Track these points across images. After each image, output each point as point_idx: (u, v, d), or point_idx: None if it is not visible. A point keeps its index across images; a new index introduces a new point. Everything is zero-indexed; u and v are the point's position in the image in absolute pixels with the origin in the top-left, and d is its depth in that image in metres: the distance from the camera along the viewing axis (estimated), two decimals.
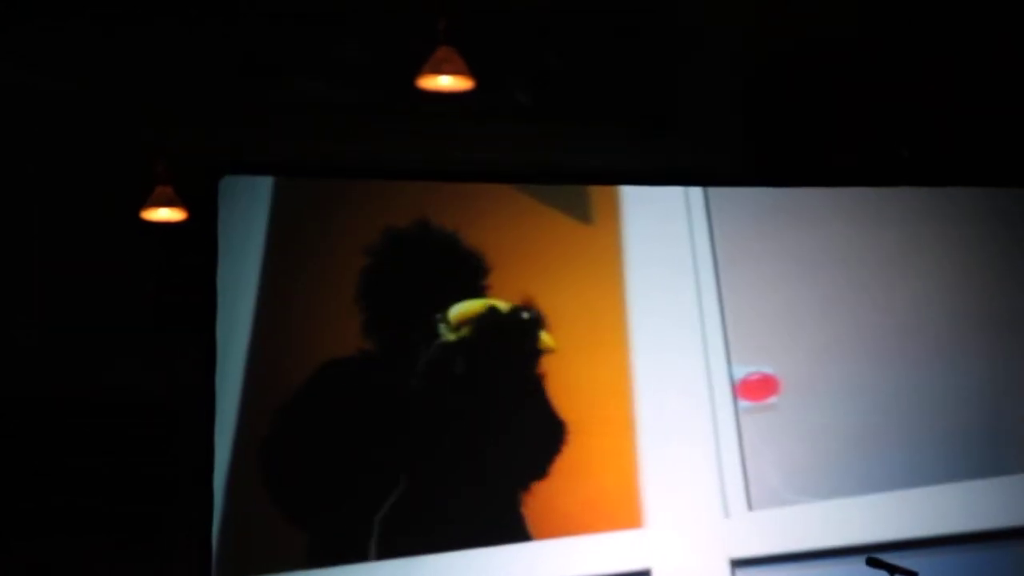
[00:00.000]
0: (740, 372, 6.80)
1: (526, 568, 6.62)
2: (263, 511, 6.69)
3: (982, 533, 6.62)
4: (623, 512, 6.67)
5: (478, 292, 6.93)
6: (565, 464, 6.74)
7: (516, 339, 6.86)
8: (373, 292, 6.89)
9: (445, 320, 6.84)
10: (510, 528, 6.66)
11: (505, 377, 6.87)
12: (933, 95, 7.44)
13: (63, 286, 7.35)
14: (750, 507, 6.65)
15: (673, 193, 7.10)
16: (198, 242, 6.94)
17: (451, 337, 6.85)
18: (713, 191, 7.07)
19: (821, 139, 7.46)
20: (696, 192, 7.08)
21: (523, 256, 6.96)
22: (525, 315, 6.87)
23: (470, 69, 6.90)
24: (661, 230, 7.00)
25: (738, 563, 6.59)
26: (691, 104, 7.55)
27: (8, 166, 7.29)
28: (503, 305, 6.88)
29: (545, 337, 6.84)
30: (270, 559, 6.66)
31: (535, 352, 6.84)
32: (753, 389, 6.79)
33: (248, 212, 6.95)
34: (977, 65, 7.38)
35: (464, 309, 6.86)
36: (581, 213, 7.03)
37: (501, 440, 6.78)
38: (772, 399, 6.79)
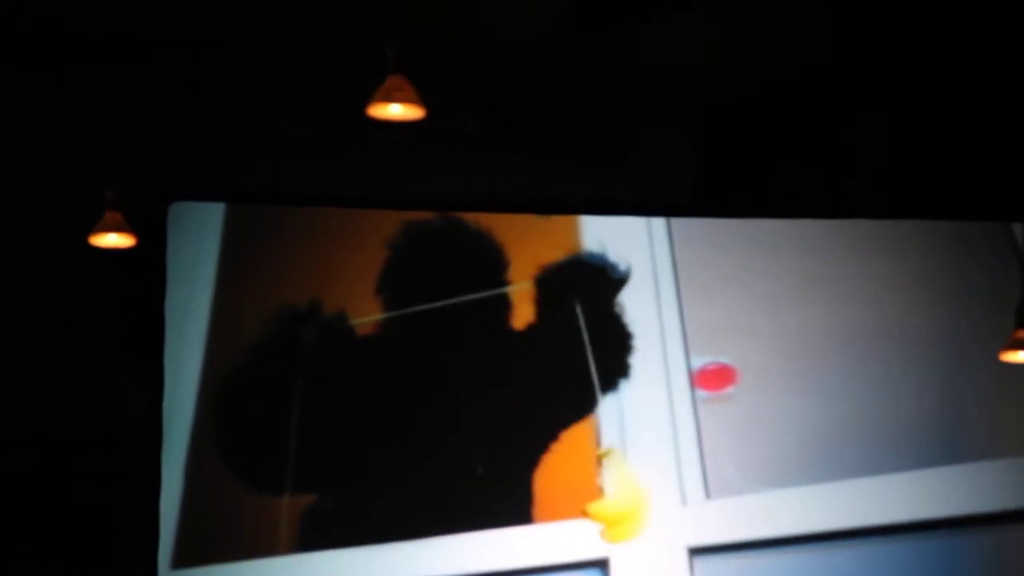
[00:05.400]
0: (698, 362, 6.79)
1: (480, 558, 6.51)
2: (214, 537, 6.58)
3: (939, 521, 6.57)
4: (581, 501, 6.61)
5: None
6: None
7: None
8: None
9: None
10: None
11: None
12: (879, 130, 7.57)
13: (9, 312, 7.31)
14: (708, 495, 6.59)
15: None
16: (147, 268, 6.90)
17: None
18: None
19: (770, 172, 7.55)
20: None
21: None
22: None
23: (421, 99, 6.96)
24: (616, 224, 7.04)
25: (696, 551, 6.53)
26: (643, 136, 7.64)
27: None
28: None
29: None
30: None
31: None
32: (711, 379, 6.78)
33: (198, 238, 6.92)
34: (923, 102, 7.51)
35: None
36: None
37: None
38: (730, 389, 6.78)
